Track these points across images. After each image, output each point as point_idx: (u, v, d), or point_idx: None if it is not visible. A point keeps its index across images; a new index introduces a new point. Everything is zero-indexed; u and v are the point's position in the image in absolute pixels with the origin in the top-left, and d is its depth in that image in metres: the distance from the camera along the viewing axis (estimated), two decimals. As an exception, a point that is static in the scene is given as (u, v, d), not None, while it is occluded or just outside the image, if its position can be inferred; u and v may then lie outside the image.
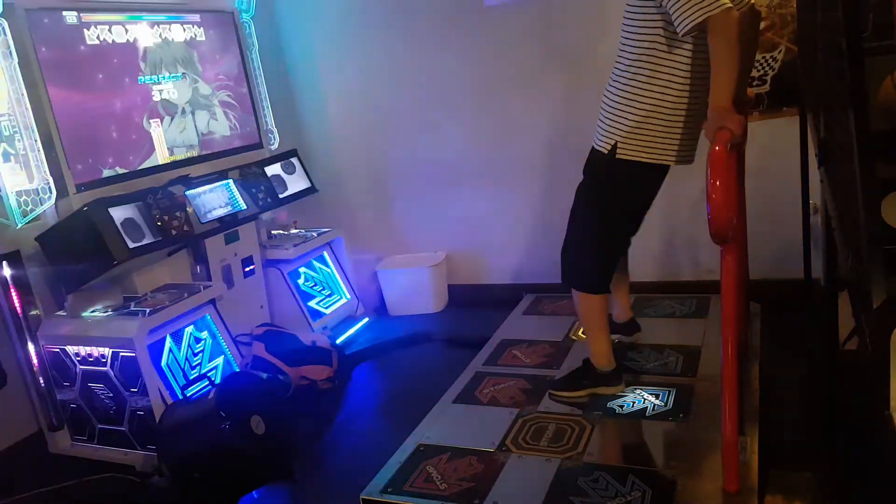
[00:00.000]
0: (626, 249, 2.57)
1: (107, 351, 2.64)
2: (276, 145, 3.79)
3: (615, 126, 2.19)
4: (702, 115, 2.19)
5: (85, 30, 2.80)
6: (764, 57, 3.13)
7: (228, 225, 3.20)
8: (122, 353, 2.61)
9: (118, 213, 2.68)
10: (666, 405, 2.38)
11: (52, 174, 2.61)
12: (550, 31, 3.49)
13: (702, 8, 1.88)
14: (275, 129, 3.79)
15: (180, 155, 3.18)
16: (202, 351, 2.96)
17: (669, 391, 2.47)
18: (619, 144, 2.18)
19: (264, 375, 3.00)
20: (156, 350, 2.74)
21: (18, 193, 2.58)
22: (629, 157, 2.18)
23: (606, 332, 2.46)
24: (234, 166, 3.39)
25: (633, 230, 2.45)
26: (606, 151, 2.21)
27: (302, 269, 3.71)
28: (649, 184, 2.30)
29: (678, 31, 1.96)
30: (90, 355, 2.69)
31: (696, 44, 2.06)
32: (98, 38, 2.84)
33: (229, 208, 3.20)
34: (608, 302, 2.46)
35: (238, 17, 3.59)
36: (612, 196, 2.30)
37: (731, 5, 1.90)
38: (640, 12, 2.10)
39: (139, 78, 3.01)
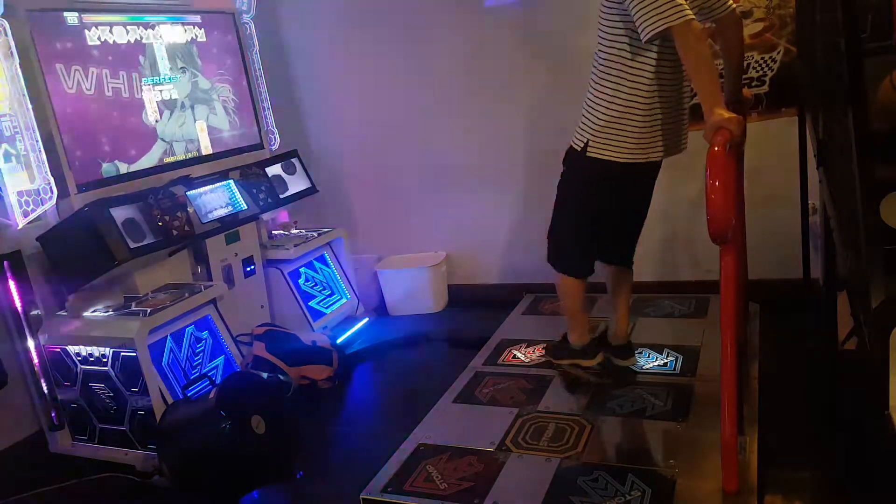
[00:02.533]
0: (609, 245, 2.61)
1: (108, 351, 2.65)
2: (276, 146, 3.80)
3: (587, 124, 2.30)
4: (672, 116, 2.26)
5: (86, 31, 2.80)
6: (763, 58, 3.14)
7: (229, 225, 3.21)
8: (122, 353, 2.61)
9: (119, 214, 2.68)
10: (665, 405, 2.39)
11: (52, 174, 2.61)
12: (549, 33, 3.50)
13: (662, 17, 1.96)
14: (275, 130, 3.80)
15: (180, 155, 3.18)
16: (203, 351, 2.96)
17: (669, 391, 2.47)
18: (590, 142, 2.28)
19: (265, 375, 3.01)
20: (156, 350, 2.74)
21: (19, 194, 2.58)
22: (597, 156, 2.28)
23: (581, 314, 2.70)
24: (234, 167, 3.39)
25: (614, 225, 2.51)
26: (580, 149, 2.32)
27: (302, 269, 3.71)
28: (621, 183, 2.36)
29: (641, 37, 2.04)
30: (91, 355, 2.69)
31: (662, 49, 2.14)
32: (99, 38, 2.85)
33: (230, 208, 3.20)
34: (585, 287, 2.63)
35: (239, 17, 3.59)
36: (584, 191, 2.43)
37: (692, 16, 1.97)
38: (609, 17, 2.19)
39: (140, 79, 3.02)
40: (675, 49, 2.05)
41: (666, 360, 2.71)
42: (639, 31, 2.03)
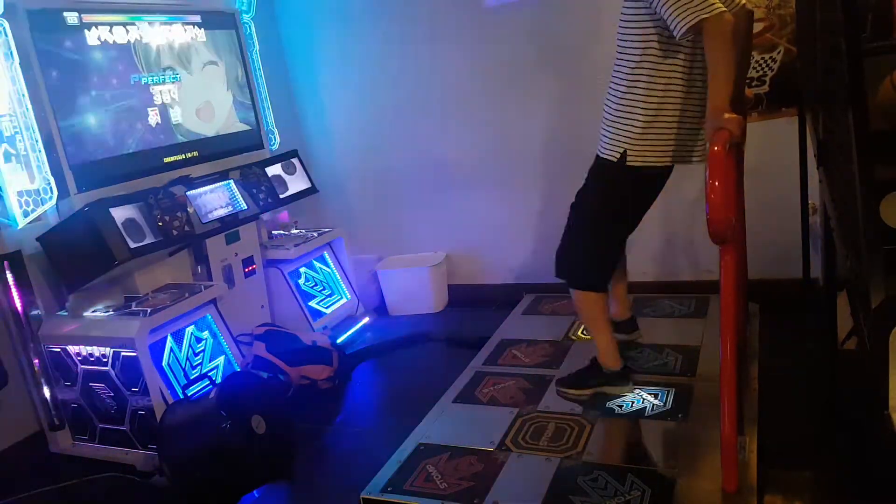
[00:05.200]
0: (623, 247, 2.57)
1: (108, 351, 2.65)
2: (276, 146, 3.80)
3: (622, 134, 2.20)
4: (700, 119, 2.21)
5: (86, 30, 2.80)
6: (763, 58, 3.14)
7: (229, 225, 3.21)
8: (123, 353, 2.61)
9: (119, 214, 2.68)
10: (665, 405, 2.39)
11: (53, 174, 2.61)
12: (549, 33, 3.50)
13: (695, 11, 1.92)
14: (275, 130, 3.80)
15: (180, 154, 3.18)
16: (203, 351, 2.96)
17: (668, 391, 2.47)
18: (628, 152, 2.19)
19: (265, 375, 3.01)
20: (157, 350, 2.74)
21: (20, 194, 2.58)
22: (639, 164, 2.19)
23: (609, 330, 2.49)
24: (234, 166, 3.39)
25: (633, 228, 2.46)
26: (616, 160, 2.22)
27: (302, 269, 3.71)
28: (655, 185, 2.33)
29: (674, 34, 1.99)
30: (91, 355, 2.69)
31: (693, 45, 2.09)
32: (99, 38, 2.85)
33: (230, 208, 3.20)
34: (607, 300, 2.50)
35: (239, 17, 3.59)
36: (618, 201, 2.32)
37: (724, 9, 1.93)
38: (635, 18, 2.13)
39: (140, 78, 3.02)
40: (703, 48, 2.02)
41: (666, 360, 2.70)
42: (671, 27, 1.98)
